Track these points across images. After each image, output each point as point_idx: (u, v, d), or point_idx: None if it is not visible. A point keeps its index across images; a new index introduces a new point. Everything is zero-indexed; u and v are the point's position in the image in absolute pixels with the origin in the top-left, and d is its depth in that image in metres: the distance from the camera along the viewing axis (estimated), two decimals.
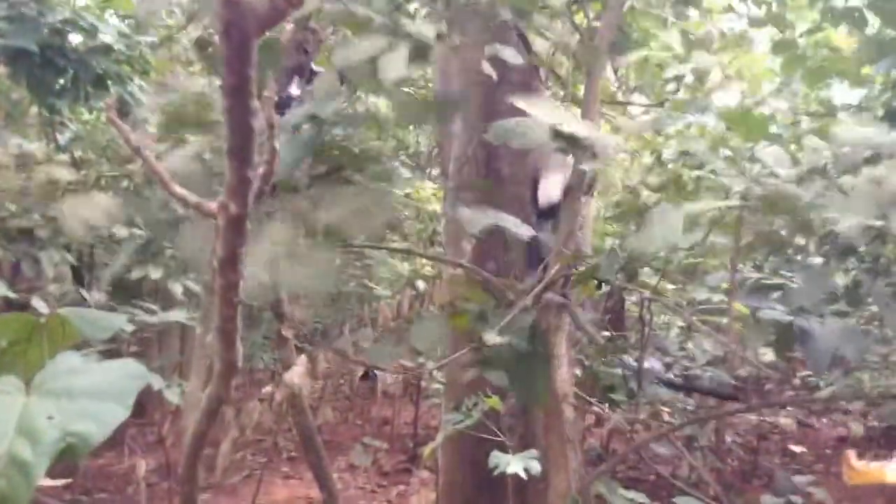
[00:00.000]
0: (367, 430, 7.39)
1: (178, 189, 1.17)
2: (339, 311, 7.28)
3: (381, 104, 6.52)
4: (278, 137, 1.07)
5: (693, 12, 3.90)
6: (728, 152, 2.22)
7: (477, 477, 3.87)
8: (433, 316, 3.47)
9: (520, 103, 1.95)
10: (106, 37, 4.12)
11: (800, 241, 3.78)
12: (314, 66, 3.13)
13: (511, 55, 2.26)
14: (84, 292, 4.98)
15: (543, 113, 1.90)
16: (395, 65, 2.04)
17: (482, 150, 4.06)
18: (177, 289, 4.80)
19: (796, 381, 6.08)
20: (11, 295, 4.48)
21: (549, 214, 3.21)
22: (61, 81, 4.07)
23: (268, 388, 3.62)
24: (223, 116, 0.88)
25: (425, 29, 2.24)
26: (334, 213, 1.98)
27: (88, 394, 1.25)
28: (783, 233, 3.52)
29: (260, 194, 1.12)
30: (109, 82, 4.19)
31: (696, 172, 2.37)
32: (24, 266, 4.70)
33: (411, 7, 2.87)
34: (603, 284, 2.87)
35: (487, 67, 2.27)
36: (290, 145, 2.12)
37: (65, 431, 1.18)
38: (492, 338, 2.16)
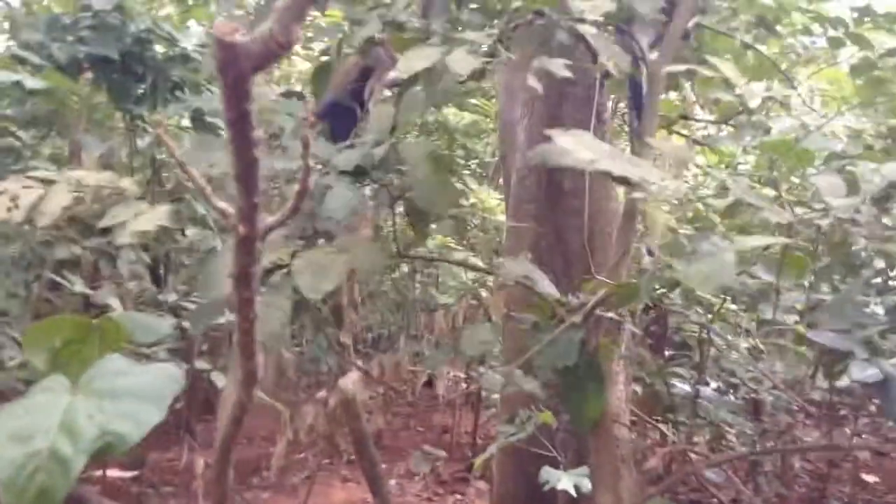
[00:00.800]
0: (427, 438, 7.43)
1: (220, 203, 1.21)
2: (405, 318, 7.35)
3: (449, 114, 6.56)
4: (313, 154, 1.11)
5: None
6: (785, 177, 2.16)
7: (530, 490, 3.85)
8: (483, 324, 3.48)
9: (558, 137, 1.94)
10: (184, 46, 4.29)
11: (879, 263, 3.65)
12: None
13: (557, 67, 2.25)
14: (159, 292, 5.16)
15: (579, 147, 1.89)
16: (464, 61, 2.07)
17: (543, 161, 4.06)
18: None
19: (871, 408, 5.84)
20: (89, 292, 4.68)
21: None
22: (141, 88, 4.26)
23: (323, 393, 3.69)
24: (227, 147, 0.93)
25: (482, 39, 2.27)
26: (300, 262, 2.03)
27: (129, 395, 1.31)
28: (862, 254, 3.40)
29: (294, 210, 1.16)
30: (186, 90, 4.36)
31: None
32: (101, 264, 4.90)
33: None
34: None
35: (533, 82, 2.27)
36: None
37: (104, 430, 1.24)
38: (528, 384, 2.18)
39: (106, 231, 4.93)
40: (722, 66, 2.94)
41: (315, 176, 2.24)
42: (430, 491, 6.21)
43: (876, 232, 1.98)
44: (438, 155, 2.69)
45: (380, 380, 5.80)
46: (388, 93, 4.18)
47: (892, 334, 2.58)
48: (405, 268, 6.78)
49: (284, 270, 2.19)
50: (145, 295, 5.31)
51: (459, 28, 2.64)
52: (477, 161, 6.59)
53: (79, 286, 4.71)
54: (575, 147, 1.87)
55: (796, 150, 1.96)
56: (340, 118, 3.65)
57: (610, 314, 2.56)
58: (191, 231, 5.06)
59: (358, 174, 2.38)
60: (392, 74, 2.70)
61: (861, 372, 2.29)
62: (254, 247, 1.00)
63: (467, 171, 6.73)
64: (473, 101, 6.08)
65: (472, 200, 6.28)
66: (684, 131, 5.16)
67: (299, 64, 6.59)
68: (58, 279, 4.80)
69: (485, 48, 2.41)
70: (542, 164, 2.22)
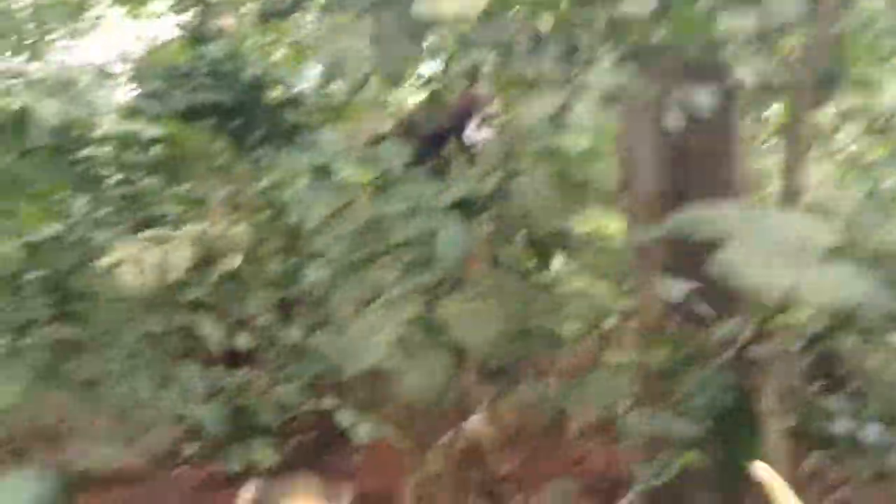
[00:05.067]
0: (558, 470, 7.13)
1: None
2: (525, 349, 7.10)
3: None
4: None
5: None
6: None
7: None
8: (611, 370, 3.25)
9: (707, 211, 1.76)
10: (298, 89, 4.32)
11: None
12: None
13: (705, 98, 2.07)
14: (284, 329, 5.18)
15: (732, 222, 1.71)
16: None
17: (670, 184, 3.79)
18: None
19: None
20: (216, 332, 4.75)
21: None
22: (256, 133, 4.31)
23: (446, 438, 3.54)
24: None
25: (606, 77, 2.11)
26: (450, 312, 1.94)
27: None
28: None
29: None
30: (300, 132, 4.39)
31: None
32: (230, 305, 4.97)
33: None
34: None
35: (675, 118, 2.10)
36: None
37: None
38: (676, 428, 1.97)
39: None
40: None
41: (420, 219, 2.13)
42: None
43: None
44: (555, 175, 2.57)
45: (505, 423, 5.59)
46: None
47: None
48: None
49: None
50: (272, 332, 5.34)
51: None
52: (596, 187, 6.32)
53: (207, 327, 4.80)
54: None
55: None
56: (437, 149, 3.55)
57: (762, 351, 2.31)
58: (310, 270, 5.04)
59: (464, 208, 2.24)
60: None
61: None
62: None
63: (585, 197, 6.48)
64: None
65: (591, 226, 6.02)
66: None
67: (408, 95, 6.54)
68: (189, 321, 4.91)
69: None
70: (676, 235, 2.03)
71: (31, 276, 4.34)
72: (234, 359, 5.01)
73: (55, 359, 4.15)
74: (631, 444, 6.21)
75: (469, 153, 3.41)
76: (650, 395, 2.97)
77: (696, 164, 3.73)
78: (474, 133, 3.33)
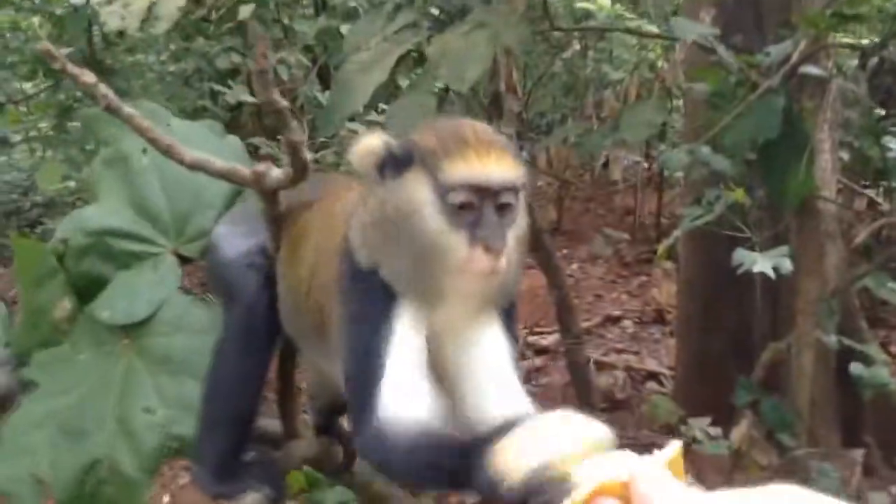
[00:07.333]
0: (609, 221, 7.22)
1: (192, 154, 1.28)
2: (577, 100, 6.92)
3: None
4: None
5: None
6: None
7: (719, 276, 3.57)
8: (647, 102, 3.09)
9: None
10: None
11: None
12: None
13: None
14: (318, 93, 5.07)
15: None
16: None
17: None
18: None
19: None
20: (250, 99, 4.69)
21: None
22: None
23: None
24: None
25: None
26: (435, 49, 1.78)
27: (183, 365, 1.26)
28: None
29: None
30: None
31: None
32: None
33: None
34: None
35: None
36: None
37: (165, 437, 1.20)
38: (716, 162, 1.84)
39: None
40: None
41: None
42: (613, 273, 6.08)
43: None
44: None
45: (546, 171, 5.56)
46: None
47: None
48: (577, 45, 6.27)
49: None
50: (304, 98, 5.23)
51: None
52: None
53: (243, 95, 4.73)
54: None
55: None
56: None
57: (816, 71, 2.14)
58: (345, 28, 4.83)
59: None
60: None
61: None
62: None
63: None
64: None
65: None
66: None
67: None
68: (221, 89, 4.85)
69: None
70: None
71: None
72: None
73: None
74: (678, 191, 6.18)
75: None
76: (694, 129, 2.86)
77: None
78: None
